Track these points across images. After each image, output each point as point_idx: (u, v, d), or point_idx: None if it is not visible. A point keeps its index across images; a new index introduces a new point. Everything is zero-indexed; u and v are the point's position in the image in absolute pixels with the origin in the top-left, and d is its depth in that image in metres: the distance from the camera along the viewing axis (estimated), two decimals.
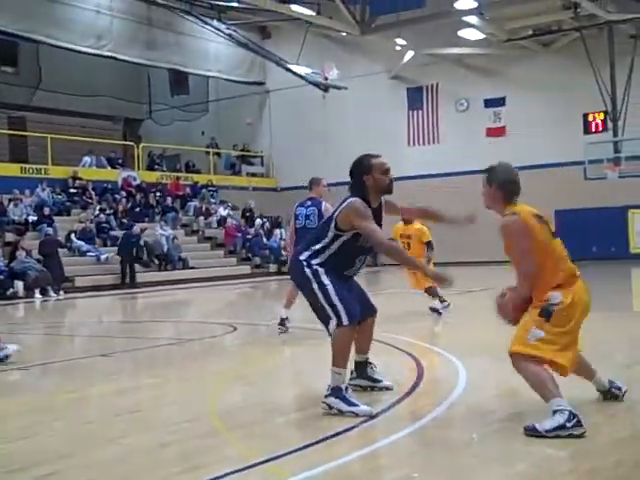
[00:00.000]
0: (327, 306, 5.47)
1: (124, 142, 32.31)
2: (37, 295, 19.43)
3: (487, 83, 29.13)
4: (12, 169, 25.65)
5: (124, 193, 27.27)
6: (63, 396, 6.76)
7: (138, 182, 28.55)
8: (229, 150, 33.14)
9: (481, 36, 26.94)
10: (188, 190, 29.89)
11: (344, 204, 5.62)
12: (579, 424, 4.55)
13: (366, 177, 5.63)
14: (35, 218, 23.23)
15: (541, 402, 4.76)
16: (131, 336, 11.28)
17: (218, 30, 28.00)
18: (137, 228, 23.62)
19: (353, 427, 5.02)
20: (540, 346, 4.75)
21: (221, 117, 32.97)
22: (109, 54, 27.14)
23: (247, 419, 5.42)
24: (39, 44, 26.91)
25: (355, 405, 5.35)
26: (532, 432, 4.57)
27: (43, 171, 26.10)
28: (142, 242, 23.48)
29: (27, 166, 26.32)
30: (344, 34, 27.22)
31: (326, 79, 28.31)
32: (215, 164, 32.39)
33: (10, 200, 23.52)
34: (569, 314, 4.81)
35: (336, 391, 5.40)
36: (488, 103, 29.25)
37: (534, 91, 27.76)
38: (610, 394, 5.35)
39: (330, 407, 5.39)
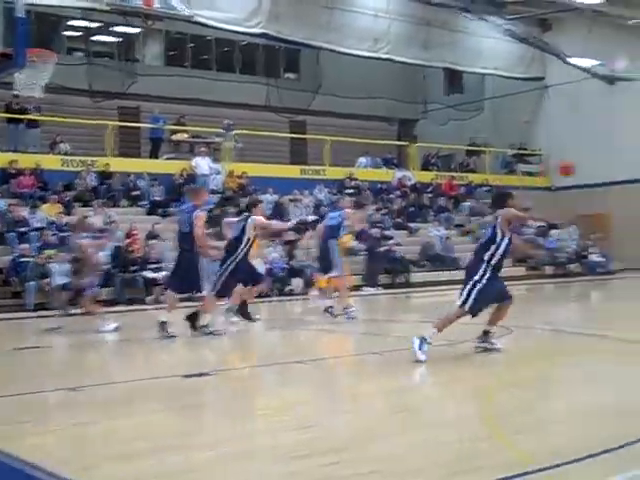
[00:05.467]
0: None
1: (399, 142, 32.60)
2: (313, 292, 19.88)
3: None
4: (292, 171, 26.79)
5: (399, 193, 27.47)
6: (346, 391, 6.97)
7: (413, 182, 28.63)
8: (505, 149, 32.24)
9: None
10: (462, 190, 29.47)
11: None
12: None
13: None
14: (314, 217, 23.97)
15: None
16: (401, 336, 11.09)
17: (496, 26, 27.34)
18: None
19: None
20: None
21: (497, 115, 32.18)
22: (386, 56, 27.49)
23: (525, 424, 5.27)
24: (319, 50, 27.89)
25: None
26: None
27: (321, 172, 26.99)
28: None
29: (306, 167, 27.38)
30: (631, 22, 25.47)
31: (613, 71, 26.64)
32: (489, 163, 31.65)
33: (290, 200, 24.51)
34: None
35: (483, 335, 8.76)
36: None
37: None
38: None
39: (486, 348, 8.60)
